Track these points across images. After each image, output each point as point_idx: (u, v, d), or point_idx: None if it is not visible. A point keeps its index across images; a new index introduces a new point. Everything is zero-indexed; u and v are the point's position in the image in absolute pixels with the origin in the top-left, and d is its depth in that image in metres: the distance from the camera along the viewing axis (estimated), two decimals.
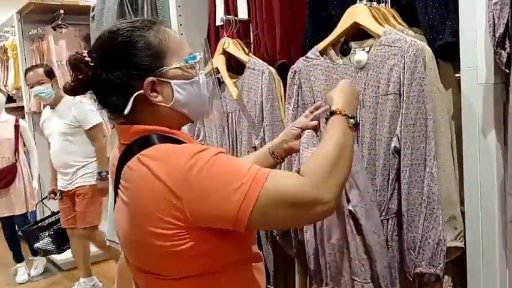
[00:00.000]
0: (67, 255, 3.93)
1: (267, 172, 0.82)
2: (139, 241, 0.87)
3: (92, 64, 0.91)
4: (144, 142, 0.88)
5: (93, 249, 3.99)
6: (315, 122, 1.20)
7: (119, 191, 0.92)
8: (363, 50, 1.34)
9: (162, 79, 0.91)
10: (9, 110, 3.99)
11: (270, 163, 1.21)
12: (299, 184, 0.82)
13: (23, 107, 4.23)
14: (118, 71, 0.89)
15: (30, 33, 3.95)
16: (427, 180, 1.16)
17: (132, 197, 0.87)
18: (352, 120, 0.98)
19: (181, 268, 0.87)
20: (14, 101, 4.62)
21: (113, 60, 0.90)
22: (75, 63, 0.92)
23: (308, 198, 0.81)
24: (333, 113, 0.99)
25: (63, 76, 3.86)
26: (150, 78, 0.89)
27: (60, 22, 3.83)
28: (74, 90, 0.95)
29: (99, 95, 0.95)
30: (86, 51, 0.93)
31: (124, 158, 0.90)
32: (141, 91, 0.89)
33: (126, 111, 0.90)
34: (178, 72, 0.93)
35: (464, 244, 1.20)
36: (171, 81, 0.91)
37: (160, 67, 0.90)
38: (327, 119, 1.01)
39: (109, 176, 2.41)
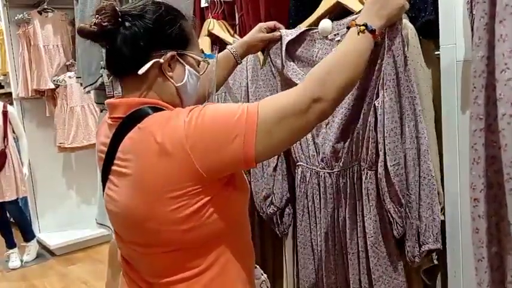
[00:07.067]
0: (60, 240, 3.96)
1: (256, 102, 0.87)
2: (150, 213, 0.87)
3: (120, 20, 0.91)
4: (142, 114, 0.90)
5: (87, 233, 4.02)
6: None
7: (115, 167, 0.91)
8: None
9: (180, 59, 0.96)
10: None
11: (230, 64, 1.40)
12: (290, 94, 0.89)
13: (10, 93, 4.18)
14: (148, 33, 0.92)
15: (16, 18, 3.89)
16: (423, 157, 1.17)
17: (139, 167, 0.87)
18: (361, 27, 0.98)
19: (194, 235, 0.88)
20: (2, 87, 4.58)
21: (149, 24, 0.92)
22: (107, 11, 0.91)
23: (302, 102, 0.86)
24: (348, 28, 1.01)
25: (51, 60, 3.83)
26: (172, 52, 0.94)
27: (45, 6, 3.79)
28: (92, 34, 0.94)
29: (115, 46, 0.93)
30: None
31: (121, 132, 0.91)
32: (160, 59, 0.92)
33: (140, 72, 0.91)
34: (193, 62, 0.99)
35: (444, 217, 1.22)
36: (186, 66, 0.97)
37: (183, 49, 0.96)
38: None
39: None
